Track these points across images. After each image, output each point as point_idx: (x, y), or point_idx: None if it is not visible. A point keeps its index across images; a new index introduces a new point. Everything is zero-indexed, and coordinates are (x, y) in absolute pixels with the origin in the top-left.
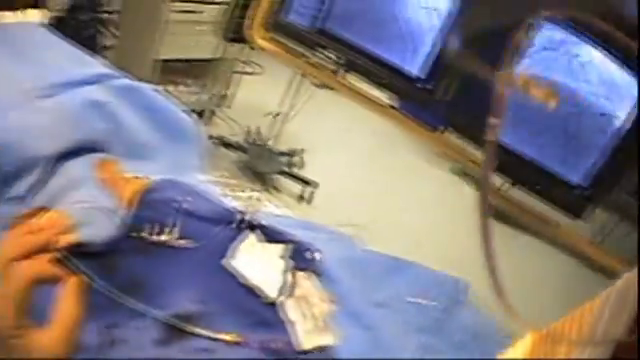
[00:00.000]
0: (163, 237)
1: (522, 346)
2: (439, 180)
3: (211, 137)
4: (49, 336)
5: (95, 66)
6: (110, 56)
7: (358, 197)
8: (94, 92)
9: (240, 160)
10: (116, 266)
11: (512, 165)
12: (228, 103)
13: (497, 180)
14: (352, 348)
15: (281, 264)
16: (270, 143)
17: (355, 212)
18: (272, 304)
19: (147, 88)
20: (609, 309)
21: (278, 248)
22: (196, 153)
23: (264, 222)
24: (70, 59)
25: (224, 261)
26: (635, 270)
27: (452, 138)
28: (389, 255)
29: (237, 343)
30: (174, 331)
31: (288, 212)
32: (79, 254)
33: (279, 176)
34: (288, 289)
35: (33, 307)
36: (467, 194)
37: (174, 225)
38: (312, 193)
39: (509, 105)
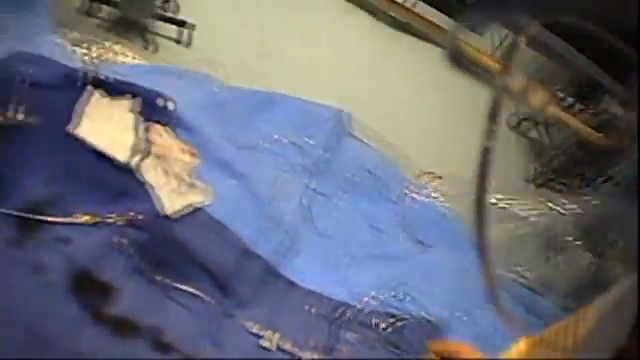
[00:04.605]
0: (10, 116)
1: (516, 351)
2: (330, 9)
3: None
4: None
5: None
6: None
7: (241, 36)
8: None
9: (113, 13)
10: None
11: None
12: None
13: None
14: (225, 201)
15: (131, 119)
16: None
17: (240, 50)
18: (128, 169)
19: None
20: (608, 316)
21: (125, 102)
22: (44, 16)
23: (107, 75)
24: None
25: (69, 129)
26: (632, 277)
27: None
28: (258, 91)
29: (94, 223)
30: (27, 225)
31: (143, 61)
32: None
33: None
34: (143, 147)
35: None
36: (361, 21)
37: (21, 101)
38: (190, 35)
39: None
